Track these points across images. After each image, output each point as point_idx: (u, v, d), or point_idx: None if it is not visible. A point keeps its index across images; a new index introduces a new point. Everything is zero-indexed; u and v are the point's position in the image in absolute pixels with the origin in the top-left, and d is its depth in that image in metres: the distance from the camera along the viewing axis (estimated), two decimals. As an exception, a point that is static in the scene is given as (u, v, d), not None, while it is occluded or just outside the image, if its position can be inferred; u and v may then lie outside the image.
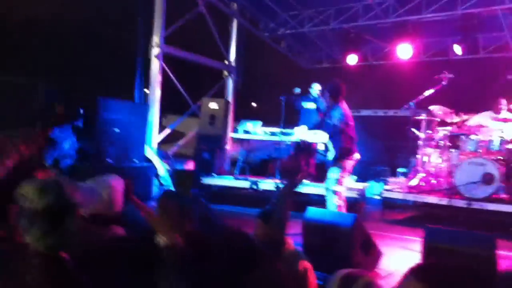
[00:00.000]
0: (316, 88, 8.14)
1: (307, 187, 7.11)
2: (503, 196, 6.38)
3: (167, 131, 9.23)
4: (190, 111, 9.75)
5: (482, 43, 9.44)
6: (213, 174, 8.01)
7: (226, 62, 10.46)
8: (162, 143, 8.94)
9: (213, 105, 8.65)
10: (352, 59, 9.56)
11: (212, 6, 9.19)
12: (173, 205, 2.28)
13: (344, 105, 5.54)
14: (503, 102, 6.95)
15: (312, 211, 4.51)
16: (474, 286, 1.13)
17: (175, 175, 7.50)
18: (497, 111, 6.95)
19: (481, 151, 6.63)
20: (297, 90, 7.39)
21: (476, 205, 6.14)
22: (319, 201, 6.15)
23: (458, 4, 8.06)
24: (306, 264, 2.83)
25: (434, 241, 3.71)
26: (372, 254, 4.33)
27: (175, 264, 1.66)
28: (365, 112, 10.41)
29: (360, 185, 7.62)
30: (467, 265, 3.37)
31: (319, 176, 7.69)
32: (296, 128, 7.49)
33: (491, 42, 9.55)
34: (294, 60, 11.59)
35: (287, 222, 2.31)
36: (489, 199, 6.22)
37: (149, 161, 7.44)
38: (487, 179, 6.21)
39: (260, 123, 7.89)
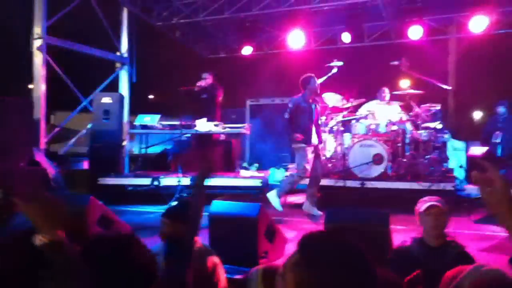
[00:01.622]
0: (207, 78, 7.94)
1: (215, 180, 7.06)
2: (392, 174, 6.92)
3: (56, 129, 8.53)
4: (81, 106, 9.11)
5: (367, 31, 10.09)
6: (110, 173, 7.58)
7: (118, 53, 9.92)
8: (52, 142, 8.25)
9: (107, 99, 8.16)
10: (246, 50, 9.61)
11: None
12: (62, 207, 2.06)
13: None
14: (386, 90, 7.55)
15: (217, 204, 4.47)
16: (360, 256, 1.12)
17: (68, 176, 6.95)
18: (382, 98, 7.55)
19: (370, 133, 7.09)
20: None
21: (368, 185, 6.58)
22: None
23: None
24: (214, 260, 2.77)
25: (334, 221, 3.87)
26: (278, 242, 4.41)
27: (60, 264, 1.49)
28: (263, 101, 10.62)
29: (262, 173, 7.77)
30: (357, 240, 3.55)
31: (227, 167, 7.71)
32: (197, 121, 7.35)
33: (375, 30, 10.24)
34: (191, 50, 11.37)
35: (199, 219, 2.21)
36: (379, 177, 6.71)
37: (36, 163, 6.80)
38: (377, 159, 6.68)
39: (158, 116, 7.61)
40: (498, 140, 7.18)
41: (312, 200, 6.12)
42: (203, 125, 7.26)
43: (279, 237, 4.44)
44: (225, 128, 7.29)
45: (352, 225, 3.76)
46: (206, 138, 7.45)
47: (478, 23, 7.80)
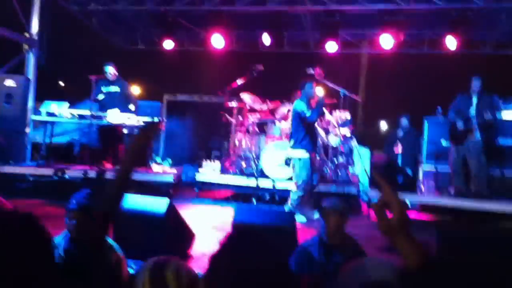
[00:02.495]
0: (110, 71, 7.50)
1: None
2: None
3: None
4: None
5: (288, 39, 10.39)
6: (10, 161, 7.00)
7: (27, 35, 9.21)
8: None
9: (10, 82, 7.54)
10: (168, 44, 9.42)
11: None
12: None
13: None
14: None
15: (125, 199, 4.32)
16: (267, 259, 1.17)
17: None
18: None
19: (284, 136, 7.29)
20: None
21: (280, 185, 6.75)
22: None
23: (268, 1, 8.66)
24: (118, 256, 2.68)
25: (242, 219, 3.93)
26: (186, 238, 4.37)
27: None
28: (181, 97, 10.49)
29: (175, 169, 7.66)
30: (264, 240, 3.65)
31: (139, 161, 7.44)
32: (109, 111, 7.05)
33: (295, 38, 10.58)
34: (107, 39, 10.89)
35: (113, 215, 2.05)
36: (290, 178, 6.92)
37: None
38: (288, 161, 6.89)
39: (67, 104, 7.18)
40: (399, 150, 7.77)
41: (308, 206, 5.95)
42: (115, 117, 6.98)
43: (188, 234, 4.40)
44: (138, 121, 7.07)
45: (259, 224, 3.84)
46: (116, 130, 7.17)
47: (387, 42, 8.37)
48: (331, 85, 7.99)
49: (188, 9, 9.08)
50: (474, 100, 6.28)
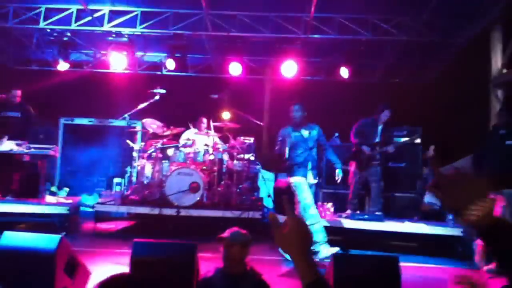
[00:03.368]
0: (16, 95, 7.10)
1: (14, 206, 6.24)
2: (207, 202, 7.11)
3: None
4: None
5: (191, 62, 10.38)
6: None
7: None
8: None
9: None
10: (63, 66, 8.89)
11: None
12: None
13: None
14: (204, 120, 7.85)
15: (9, 236, 3.91)
16: None
17: None
18: (200, 128, 7.82)
19: (188, 162, 7.20)
20: None
21: (184, 212, 6.61)
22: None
23: (170, 24, 8.60)
24: None
25: (140, 254, 3.75)
26: (79, 275, 4.06)
27: None
28: (79, 121, 9.92)
29: (72, 199, 7.18)
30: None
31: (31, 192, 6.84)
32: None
33: (199, 62, 10.61)
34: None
35: None
36: (195, 205, 6.82)
37: None
38: (194, 187, 6.80)
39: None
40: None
41: None
42: (5, 145, 6.39)
43: (81, 271, 4.09)
44: (29, 148, 6.53)
45: (158, 258, 3.70)
46: (12, 158, 6.57)
47: (288, 69, 8.73)
48: (235, 110, 8.12)
49: (87, 29, 8.70)
50: (380, 128, 6.75)
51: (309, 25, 8.45)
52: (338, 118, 8.48)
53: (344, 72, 8.81)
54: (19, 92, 7.11)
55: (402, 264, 3.28)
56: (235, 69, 8.90)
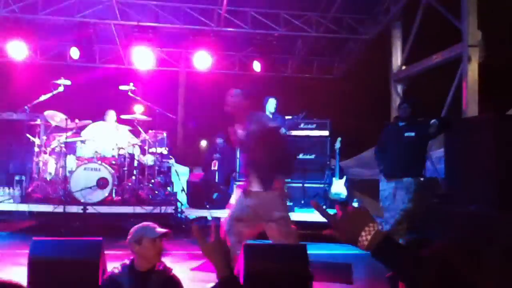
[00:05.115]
0: None
1: None
2: (116, 198, 6.83)
3: None
4: None
5: (99, 53, 9.88)
6: None
7: None
8: None
9: None
10: None
11: None
12: None
13: None
14: (112, 113, 7.50)
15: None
16: None
17: None
18: (108, 120, 7.46)
19: (96, 157, 6.84)
20: None
21: (91, 210, 6.28)
22: None
23: (75, 11, 8.10)
24: None
25: (40, 254, 3.49)
26: None
27: None
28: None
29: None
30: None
31: None
32: None
33: (107, 53, 10.13)
34: None
35: None
36: (103, 202, 6.51)
37: None
38: (102, 183, 6.48)
39: None
40: (216, 168, 8.01)
41: None
42: None
43: None
44: None
45: (60, 257, 3.46)
46: None
47: (201, 60, 8.64)
48: (146, 103, 7.86)
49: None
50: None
51: (222, 17, 8.44)
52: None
53: (257, 66, 8.92)
54: None
55: (311, 252, 3.38)
56: (143, 60, 8.58)
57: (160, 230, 3.11)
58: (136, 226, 3.09)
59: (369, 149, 7.51)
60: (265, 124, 4.16)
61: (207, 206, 6.72)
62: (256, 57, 9.02)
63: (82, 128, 7.24)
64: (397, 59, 8.34)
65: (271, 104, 6.74)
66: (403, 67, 8.20)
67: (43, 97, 7.00)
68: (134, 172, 7.14)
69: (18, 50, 8.11)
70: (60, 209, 6.19)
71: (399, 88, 8.30)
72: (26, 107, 6.99)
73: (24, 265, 4.50)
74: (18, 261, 4.78)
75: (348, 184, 6.91)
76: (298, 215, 6.44)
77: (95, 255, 3.54)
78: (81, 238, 3.91)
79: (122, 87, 7.34)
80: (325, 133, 7.43)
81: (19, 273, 4.36)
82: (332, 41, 9.47)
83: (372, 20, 8.65)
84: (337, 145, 6.90)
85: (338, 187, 6.83)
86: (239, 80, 10.20)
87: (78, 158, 6.89)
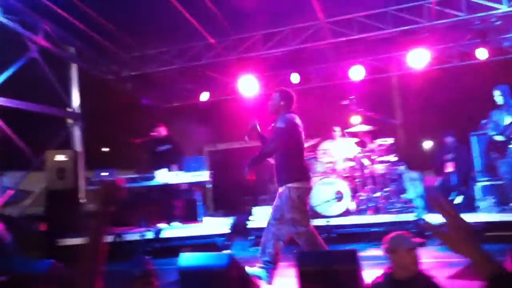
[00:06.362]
0: (160, 128, 7.87)
1: (179, 230, 6.93)
2: (354, 209, 7.06)
3: (9, 192, 8.11)
4: (33, 166, 8.76)
5: (314, 73, 10.53)
6: (69, 233, 7.26)
7: (69, 109, 9.72)
8: (4, 205, 7.81)
9: (60, 157, 7.91)
10: (204, 96, 9.74)
11: (46, 50, 8.50)
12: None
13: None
14: (337, 128, 7.85)
15: (186, 257, 4.36)
16: None
17: (22, 240, 6.57)
18: (333, 136, 7.85)
19: (329, 171, 7.24)
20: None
21: (333, 222, 6.65)
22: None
23: (290, 40, 8.85)
24: None
25: (305, 265, 3.87)
26: (251, 290, 4.34)
27: None
28: (221, 146, 10.67)
29: (228, 220, 7.70)
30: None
31: (191, 217, 7.59)
32: (157, 172, 7.24)
33: (322, 72, 10.70)
34: (142, 101, 11.31)
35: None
36: (343, 213, 6.83)
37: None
38: (339, 196, 6.83)
39: (115, 171, 7.45)
40: (451, 169, 7.53)
41: None
42: (163, 176, 7.16)
43: (252, 285, 4.37)
44: (186, 177, 7.23)
45: (322, 267, 3.78)
46: (168, 189, 7.34)
47: (417, 59, 8.34)
48: (367, 112, 7.98)
49: (215, 61, 9.38)
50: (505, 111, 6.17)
51: (432, 11, 8.00)
52: (477, 104, 7.81)
53: (482, 53, 8.11)
54: (163, 127, 7.85)
55: None
56: (356, 73, 8.79)
57: (414, 240, 3.12)
58: (390, 236, 3.17)
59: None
60: (279, 124, 4.44)
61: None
62: (479, 45, 8.21)
63: (313, 146, 7.79)
64: None
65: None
66: None
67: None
68: (367, 182, 7.28)
69: (249, 85, 9.28)
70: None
71: None
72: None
73: (287, 276, 5.05)
74: (282, 273, 5.38)
75: None
76: None
77: (353, 264, 3.76)
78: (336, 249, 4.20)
79: (342, 102, 7.66)
80: None
81: (285, 284, 4.91)
82: None
83: None
84: None
85: None
86: (459, 73, 9.47)
87: (314, 175, 7.42)
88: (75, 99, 9.79)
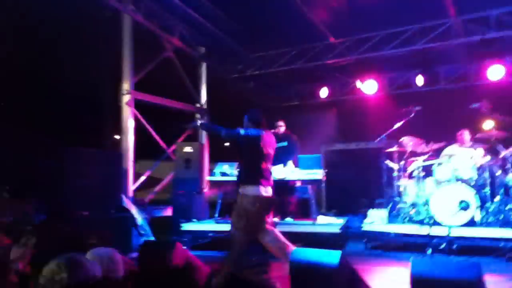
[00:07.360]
0: (281, 126, 8.01)
1: (293, 226, 7.09)
2: (480, 220, 6.51)
3: (142, 178, 9.08)
4: (165, 155, 9.68)
5: (442, 74, 9.91)
6: (193, 219, 7.86)
7: (198, 105, 10.50)
8: (137, 190, 8.76)
9: (188, 149, 8.61)
10: (323, 92, 9.84)
11: (179, 50, 9.28)
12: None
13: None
14: (466, 132, 7.30)
15: (298, 252, 4.45)
16: None
17: (153, 223, 7.29)
18: (462, 141, 7.31)
19: (453, 178, 6.78)
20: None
21: (456, 232, 6.22)
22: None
23: (417, 39, 8.45)
24: None
25: (420, 272, 3.70)
26: (361, 291, 4.28)
27: None
28: (339, 146, 10.62)
29: (341, 220, 7.66)
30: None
31: (304, 214, 7.72)
32: (273, 167, 7.44)
33: (450, 73, 10.03)
34: (260, 98, 11.70)
35: None
36: (467, 224, 6.35)
37: (126, 210, 7.23)
38: (464, 205, 6.36)
39: (235, 164, 7.83)
40: None
41: None
42: (279, 172, 7.36)
43: (362, 286, 4.30)
44: (301, 174, 7.34)
45: (440, 277, 3.58)
46: (282, 185, 7.51)
47: None
48: (502, 117, 7.28)
49: (336, 61, 9.34)
50: None
51: None
52: None
53: None
54: (282, 123, 8.01)
55: None
56: (495, 73, 8.06)
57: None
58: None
59: None
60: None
61: None
62: None
63: (437, 150, 7.36)
64: None
65: None
66: None
67: (396, 125, 7.54)
68: (497, 193, 6.66)
69: (370, 86, 9.10)
70: (425, 231, 6.38)
71: None
72: (383, 136, 7.67)
73: (399, 281, 4.89)
74: (394, 278, 5.21)
75: None
76: None
77: (478, 277, 3.50)
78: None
79: (473, 106, 7.10)
80: None
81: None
82: None
83: None
84: None
85: None
86: None
87: (436, 181, 7.01)
88: (203, 96, 10.55)
